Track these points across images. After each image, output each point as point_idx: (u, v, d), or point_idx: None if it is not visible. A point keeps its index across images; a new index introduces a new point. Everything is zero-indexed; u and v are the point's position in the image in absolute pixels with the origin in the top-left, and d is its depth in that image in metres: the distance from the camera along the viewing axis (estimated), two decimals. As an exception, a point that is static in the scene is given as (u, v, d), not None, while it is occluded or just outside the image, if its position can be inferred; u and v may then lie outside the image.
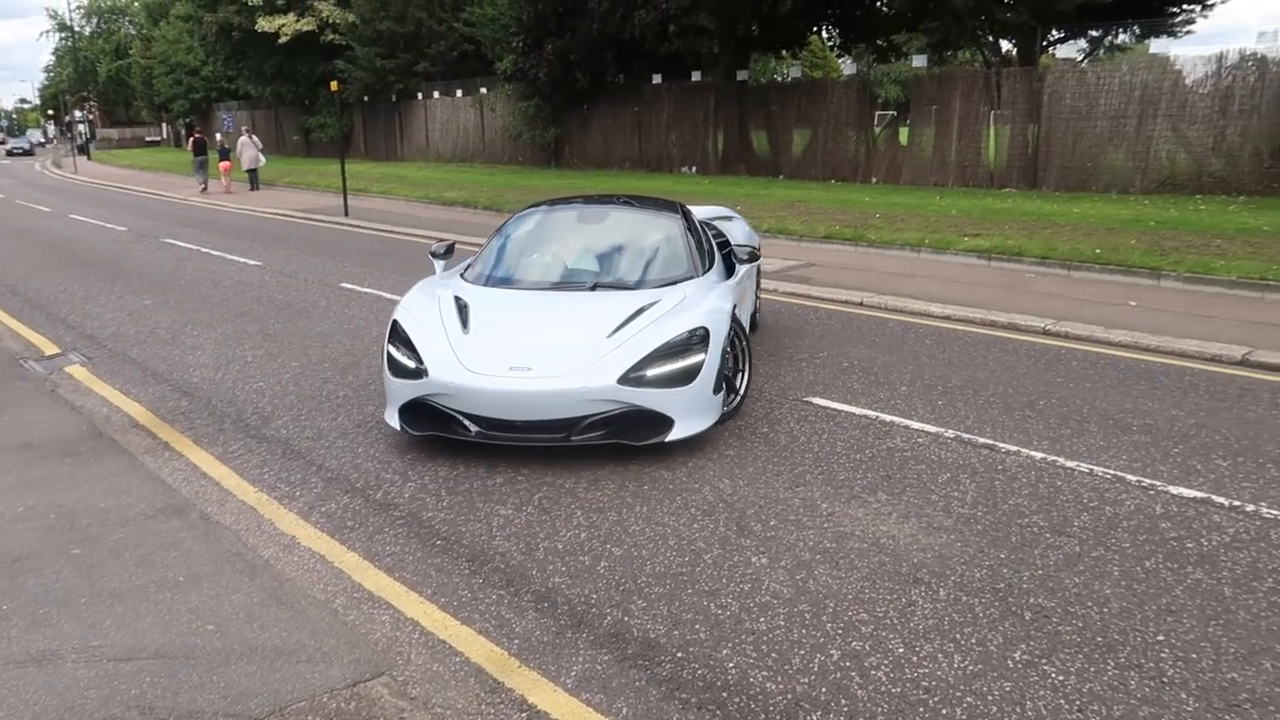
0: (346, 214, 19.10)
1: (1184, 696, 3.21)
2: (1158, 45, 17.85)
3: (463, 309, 5.86)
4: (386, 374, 5.63)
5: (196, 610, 3.83)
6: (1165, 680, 3.30)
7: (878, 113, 23.01)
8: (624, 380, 5.20)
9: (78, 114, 61.31)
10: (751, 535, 4.45)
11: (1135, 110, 16.87)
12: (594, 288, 6.17)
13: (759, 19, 22.54)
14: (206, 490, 5.11)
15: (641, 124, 26.57)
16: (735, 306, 6.11)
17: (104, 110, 74.89)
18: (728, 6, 21.23)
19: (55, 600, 3.92)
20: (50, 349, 8.41)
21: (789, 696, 3.25)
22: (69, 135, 59.39)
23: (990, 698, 3.22)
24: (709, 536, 4.45)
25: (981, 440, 5.65)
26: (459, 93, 32.88)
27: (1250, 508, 4.66)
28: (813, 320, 8.99)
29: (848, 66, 23.37)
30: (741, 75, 23.96)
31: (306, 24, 35.84)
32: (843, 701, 3.21)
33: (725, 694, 3.27)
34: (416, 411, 5.49)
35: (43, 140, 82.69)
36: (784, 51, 26.81)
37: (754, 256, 7.15)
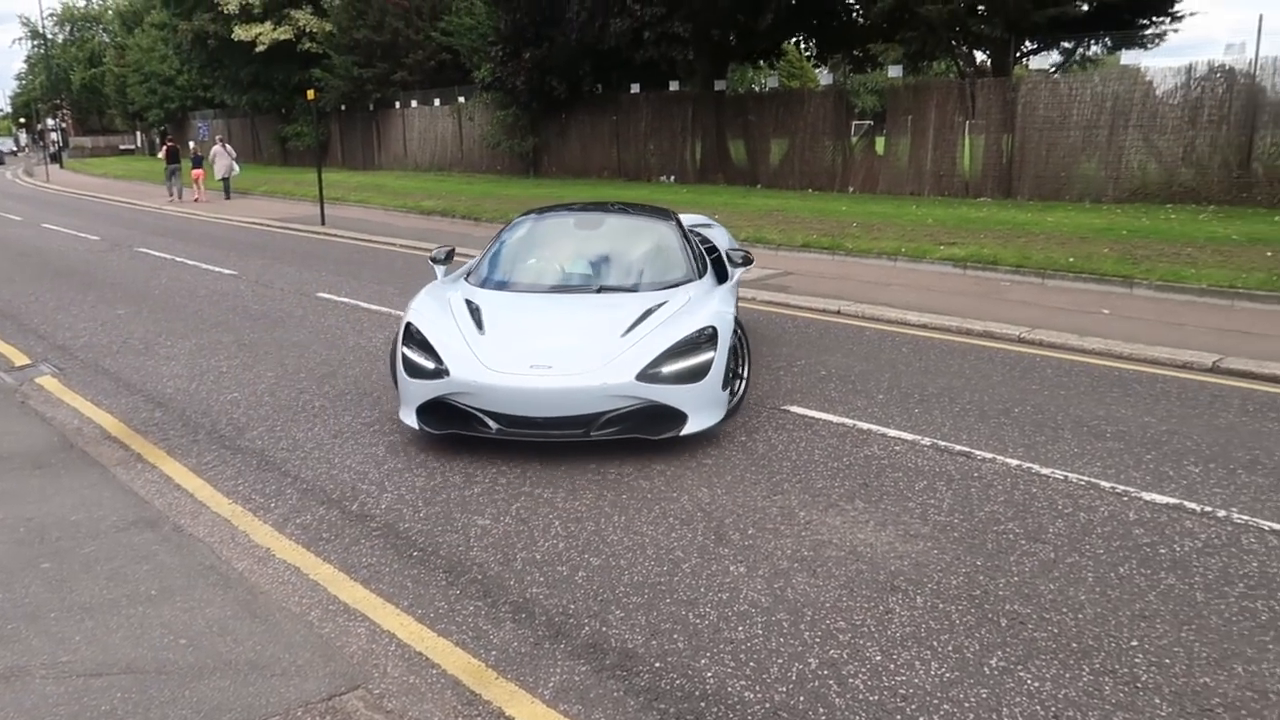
0: (323, 223, 19.00)
1: (1158, 701, 3.24)
2: (1129, 57, 18.09)
3: (475, 311, 6.02)
4: (402, 376, 5.75)
5: (169, 624, 3.78)
6: (1139, 686, 3.33)
7: (854, 122, 23.17)
8: (641, 377, 5.42)
9: (50, 122, 60.71)
10: (730, 544, 4.46)
11: (1107, 120, 17.08)
12: (599, 290, 6.38)
13: (736, 29, 22.66)
14: (180, 502, 5.06)
15: (620, 133, 26.62)
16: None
17: (77, 118, 74.15)
18: (702, 15, 21.33)
19: (24, 615, 3.86)
20: (20, 360, 8.29)
21: (767, 705, 3.25)
22: (41, 143, 58.71)
23: (967, 705, 3.23)
24: (687, 545, 4.45)
25: (958, 448, 5.69)
26: (437, 102, 32.82)
27: (1221, 513, 4.72)
28: (790, 329, 9.03)
29: (824, 77, 23.50)
30: (719, 85, 24.06)
31: (284, 33, 35.69)
32: (820, 710, 3.22)
33: (704, 704, 3.26)
34: (435, 411, 5.63)
35: (14, 148, 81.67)
36: (761, 62, 26.97)
37: (747, 260, 7.37)
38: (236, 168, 27.37)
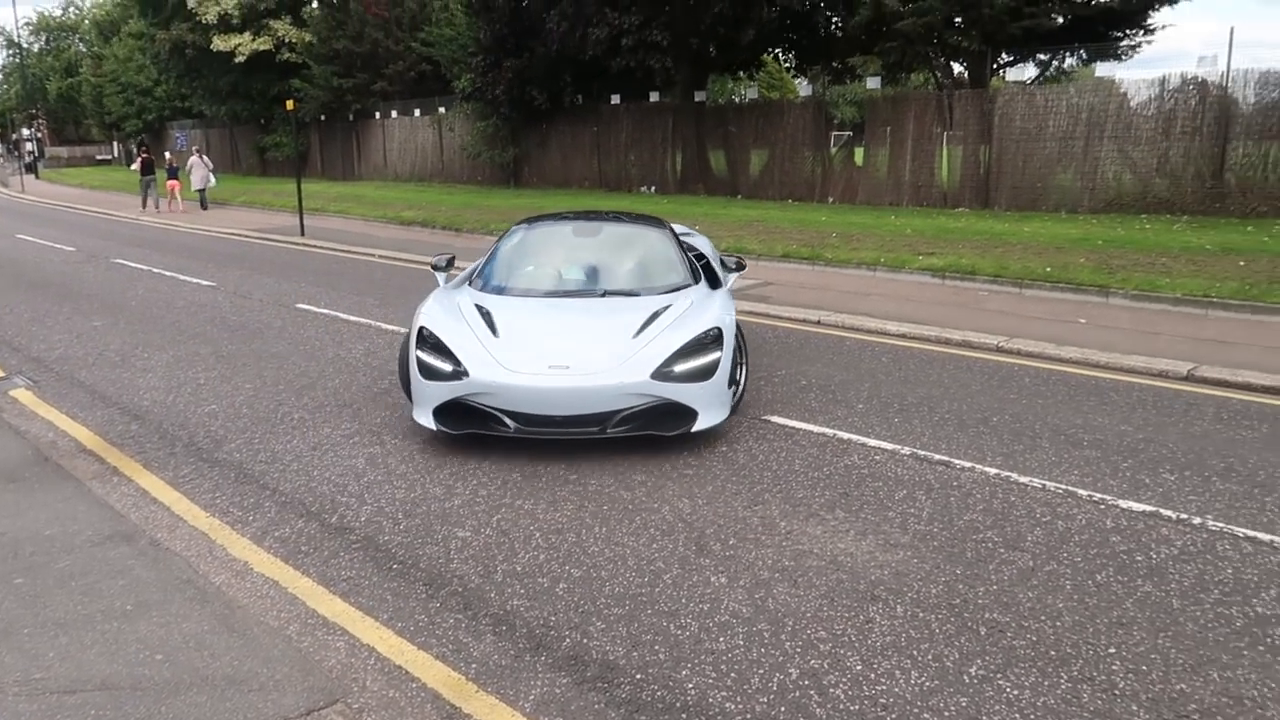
0: (303, 233, 18.91)
1: (1135, 708, 3.26)
2: (1103, 69, 18.35)
3: (487, 316, 6.19)
4: (417, 378, 5.90)
5: (144, 639, 3.74)
6: (1117, 693, 3.35)
7: (834, 133, 23.36)
8: (655, 375, 5.65)
9: (25, 132, 60.06)
10: (710, 555, 4.46)
11: (1083, 132, 17.28)
12: (604, 295, 6.58)
13: (716, 40, 22.79)
14: (156, 516, 5.01)
15: (600, 144, 26.68)
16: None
17: (53, 128, 73.41)
18: (681, 23, 21.45)
19: (-4, 632, 3.81)
20: (-6, 372, 8.20)
21: (748, 716, 3.24)
22: (16, 154, 58.08)
23: (947, 714, 3.24)
24: (668, 556, 4.45)
25: (937, 457, 5.72)
26: (417, 112, 32.77)
27: (1197, 520, 4.77)
28: (771, 339, 9.06)
29: (804, 88, 23.67)
30: (699, 96, 24.18)
31: (263, 43, 35.54)
32: (802, 720, 3.22)
33: (685, 715, 3.26)
34: (452, 411, 5.78)
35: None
36: (741, 73, 27.13)
37: (740, 266, 7.62)
38: (213, 179, 27.21)
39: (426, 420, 5.88)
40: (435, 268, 7.49)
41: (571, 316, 6.35)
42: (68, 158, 68.53)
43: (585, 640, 3.73)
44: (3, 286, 13.15)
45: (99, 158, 67.73)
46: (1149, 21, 19.17)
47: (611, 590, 4.13)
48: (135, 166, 28.08)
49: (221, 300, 11.68)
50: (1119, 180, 17.03)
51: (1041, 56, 20.21)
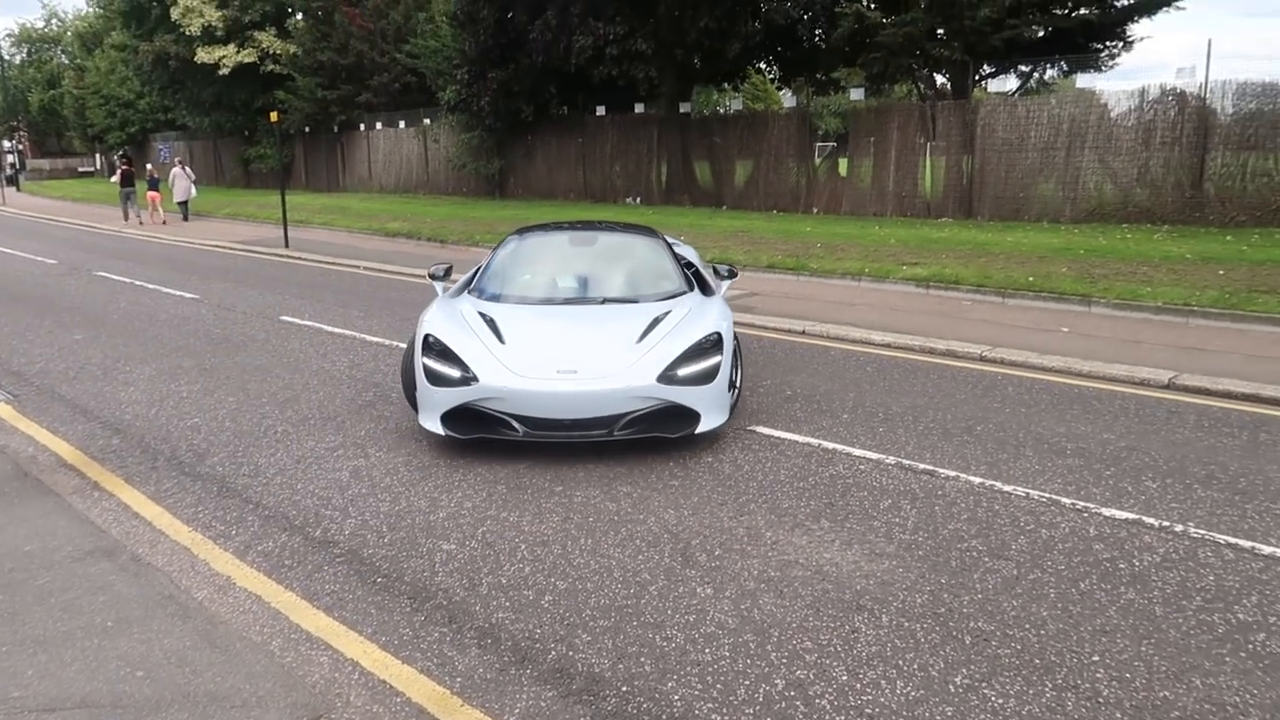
0: (287, 245, 18.84)
1: (1119, 716, 3.27)
2: (1083, 80, 18.53)
3: (491, 323, 6.31)
4: (424, 385, 6.00)
5: (125, 656, 3.70)
6: (1101, 700, 3.36)
7: (818, 144, 23.42)
8: (661, 379, 5.82)
9: (7, 144, 59.64)
10: (696, 566, 4.46)
11: (1064, 142, 17.42)
12: (603, 302, 6.76)
13: (701, 53, 22.88)
14: (138, 531, 4.96)
15: (586, 155, 26.70)
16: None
17: (35, 140, 72.96)
18: (664, 34, 21.53)
19: (-26, 650, 3.76)
20: (-26, 387, 8.12)
21: (734, 728, 3.24)
22: (-3, 166, 57.71)
23: (932, 723, 3.24)
24: (654, 568, 4.44)
25: (922, 466, 5.74)
26: (402, 124, 32.73)
27: (1179, 528, 4.80)
28: (756, 349, 9.08)
29: (788, 99, 23.77)
30: (684, 107, 24.25)
31: (247, 55, 35.42)
32: (787, 731, 3.22)
33: (670, 727, 3.25)
34: (461, 417, 5.90)
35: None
36: (725, 84, 27.22)
37: (732, 273, 7.83)
38: (194, 190, 27.10)
39: (434, 426, 5.97)
40: (434, 277, 7.60)
41: (575, 323, 6.52)
42: (49, 170, 68.05)
43: (571, 653, 3.72)
44: (-17, 300, 13.04)
45: (81, 170, 67.30)
46: (1127, 33, 19.39)
47: (597, 602, 4.12)
48: (115, 178, 27.89)
49: (205, 313, 11.62)
50: (1100, 190, 17.17)
51: (1023, 68, 20.38)
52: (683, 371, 5.90)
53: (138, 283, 14.40)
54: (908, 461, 5.83)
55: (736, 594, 4.17)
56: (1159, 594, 4.12)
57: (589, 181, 26.71)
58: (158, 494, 5.49)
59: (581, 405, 5.74)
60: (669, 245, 7.70)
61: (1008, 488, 5.37)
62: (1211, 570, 4.34)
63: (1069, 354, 8.40)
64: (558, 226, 8.23)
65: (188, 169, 27.53)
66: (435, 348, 6.07)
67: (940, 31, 19.05)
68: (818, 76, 24.18)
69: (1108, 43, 19.56)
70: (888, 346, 9.10)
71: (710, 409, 5.99)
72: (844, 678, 3.52)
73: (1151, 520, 4.89)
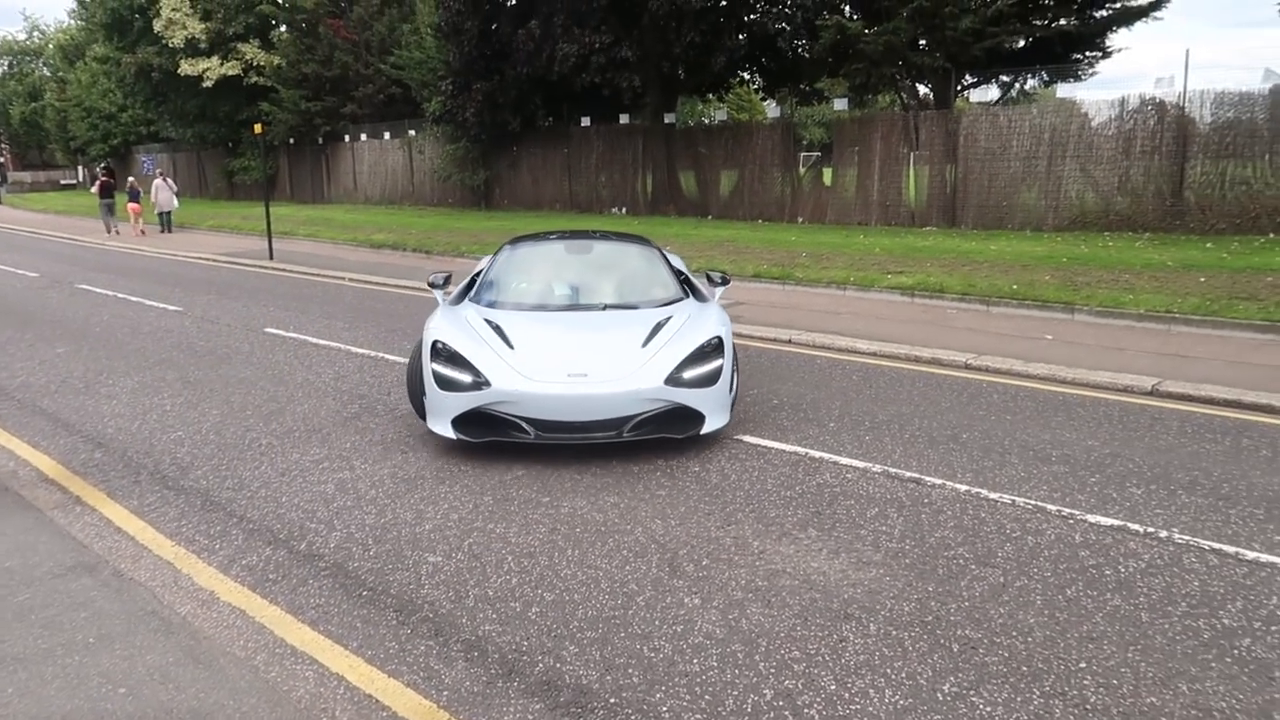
0: (271, 257, 18.75)
1: (1106, 722, 3.28)
2: (1064, 90, 18.67)
3: (498, 329, 6.43)
4: (434, 390, 6.11)
5: (107, 673, 3.66)
6: (1089, 707, 3.37)
7: (802, 154, 23.52)
8: (669, 381, 5.98)
9: (-13, 157, 59.26)
10: (684, 576, 4.44)
11: (1046, 151, 17.57)
12: (605, 308, 6.88)
13: (686, 64, 22.97)
14: (120, 546, 4.91)
15: (571, 165, 26.75)
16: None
17: (16, 153, 72.53)
18: (649, 44, 21.60)
19: (-47, 668, 3.71)
20: (-47, 401, 8.03)
21: (723, 739, 3.22)
22: (-21, 179, 57.26)
23: (921, 732, 3.24)
24: (641, 578, 4.43)
25: (908, 474, 5.75)
26: (387, 135, 32.71)
27: (1164, 534, 4.82)
28: (742, 358, 9.07)
29: (772, 109, 23.85)
30: (669, 118, 24.33)
31: (231, 67, 35.33)
32: (776, 742, 3.20)
33: (659, 739, 3.23)
34: (472, 421, 6.02)
35: (-50, 184, 79.52)
36: (710, 95, 27.32)
37: (725, 280, 7.91)
38: (176, 202, 26.98)
39: (445, 430, 6.09)
40: (433, 285, 7.73)
41: (580, 328, 6.63)
42: (31, 183, 67.61)
43: (558, 665, 3.70)
44: (-37, 314, 12.92)
45: (64, 182, 66.90)
46: (1106, 44, 19.60)
47: (584, 614, 4.10)
48: (94, 189, 27.73)
49: (188, 325, 11.55)
50: (1082, 199, 17.32)
51: (1004, 78, 20.57)
52: (688, 374, 6.05)
53: (120, 295, 14.30)
54: (894, 470, 5.84)
55: (724, 604, 4.16)
56: (1145, 600, 4.14)
57: (575, 192, 26.75)
58: (140, 508, 5.44)
59: (592, 408, 5.86)
60: (662, 253, 7.84)
61: (994, 495, 5.38)
62: (1196, 576, 4.36)
63: (1053, 361, 8.45)
64: (553, 235, 8.32)
65: (169, 180, 27.40)
66: (444, 354, 6.17)
67: (922, 42, 19.20)
68: (801, 87, 24.33)
69: (1087, 53, 19.79)
70: (874, 355, 9.12)
71: (714, 410, 6.17)
72: (832, 687, 3.52)
73: (1136, 526, 4.92)
